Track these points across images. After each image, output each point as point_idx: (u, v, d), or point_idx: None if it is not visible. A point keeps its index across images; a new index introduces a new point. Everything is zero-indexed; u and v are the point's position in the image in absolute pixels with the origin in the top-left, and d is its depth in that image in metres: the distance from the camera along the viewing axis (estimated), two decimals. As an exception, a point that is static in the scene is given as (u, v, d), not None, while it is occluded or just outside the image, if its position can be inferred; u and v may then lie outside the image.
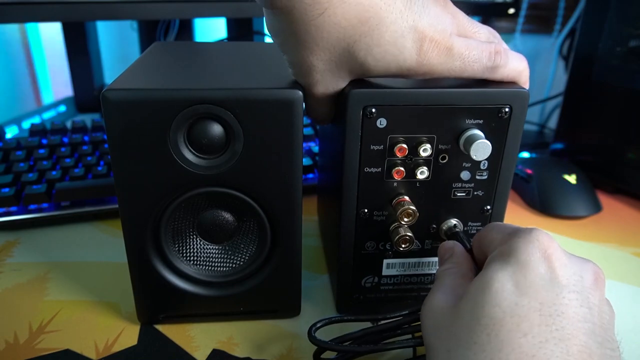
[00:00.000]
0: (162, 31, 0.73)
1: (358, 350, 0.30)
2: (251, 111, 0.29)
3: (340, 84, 0.30)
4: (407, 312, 0.31)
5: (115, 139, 0.29)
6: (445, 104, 0.31)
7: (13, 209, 0.48)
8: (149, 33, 0.77)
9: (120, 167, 0.30)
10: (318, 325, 0.31)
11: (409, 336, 0.30)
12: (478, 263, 0.30)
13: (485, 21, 0.97)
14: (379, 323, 0.31)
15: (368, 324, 0.31)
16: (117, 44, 0.87)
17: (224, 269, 0.35)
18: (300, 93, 0.30)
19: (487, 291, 0.23)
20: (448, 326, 0.24)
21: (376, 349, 0.30)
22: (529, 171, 0.57)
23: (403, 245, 0.33)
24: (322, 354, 0.31)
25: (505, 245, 0.25)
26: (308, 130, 0.60)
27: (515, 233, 0.26)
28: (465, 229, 0.35)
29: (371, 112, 0.31)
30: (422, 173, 0.32)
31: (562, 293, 0.23)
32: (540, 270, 0.24)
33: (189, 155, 0.30)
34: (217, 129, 0.30)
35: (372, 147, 0.32)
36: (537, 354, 0.21)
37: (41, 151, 0.54)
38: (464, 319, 0.23)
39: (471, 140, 0.31)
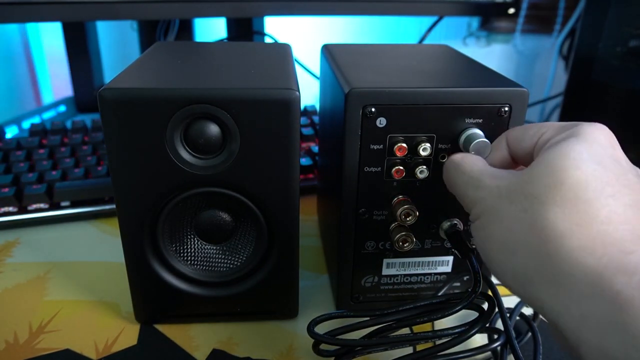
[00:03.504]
0: (162, 31, 0.73)
1: (355, 343, 0.30)
2: (248, 111, 0.29)
3: None
4: (406, 307, 0.30)
5: (112, 138, 0.29)
6: (445, 103, 0.31)
7: (13, 209, 0.48)
8: (149, 33, 0.77)
9: (117, 167, 0.30)
10: (318, 320, 0.31)
11: (408, 331, 0.30)
12: (515, 156, 0.29)
13: (485, 21, 0.97)
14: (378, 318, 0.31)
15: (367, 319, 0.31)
16: (117, 44, 0.87)
17: (222, 269, 0.35)
18: (297, 93, 0.29)
19: (566, 157, 0.23)
20: (520, 188, 0.24)
21: (374, 342, 0.30)
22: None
23: (403, 245, 0.33)
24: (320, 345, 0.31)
25: (570, 129, 0.26)
26: (308, 131, 0.60)
27: (576, 123, 0.26)
28: (466, 228, 0.35)
29: (371, 112, 0.31)
30: (422, 172, 0.32)
31: (627, 175, 0.23)
32: (608, 150, 0.24)
33: (185, 155, 0.30)
34: (213, 128, 0.30)
35: (372, 146, 0.32)
36: (626, 214, 0.22)
37: (41, 151, 0.54)
38: (542, 181, 0.23)
39: (471, 139, 0.31)
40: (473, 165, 0.28)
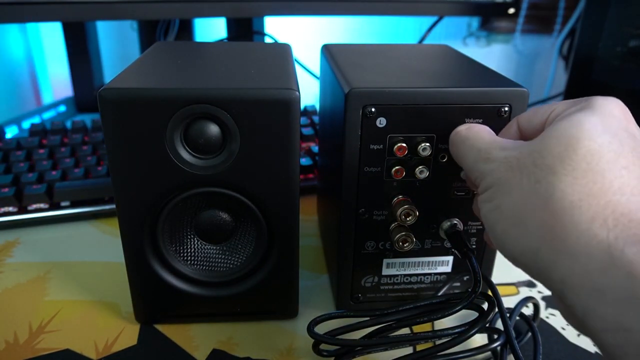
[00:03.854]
0: (162, 31, 0.73)
1: (355, 343, 0.30)
2: (248, 111, 0.29)
3: None
4: (406, 307, 0.30)
5: (112, 139, 0.29)
6: (445, 103, 0.31)
7: (13, 209, 0.48)
8: (149, 33, 0.77)
9: (117, 167, 0.30)
10: (318, 320, 0.31)
11: (408, 331, 0.30)
12: (526, 135, 0.29)
13: (485, 21, 0.97)
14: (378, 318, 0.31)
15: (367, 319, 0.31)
16: (117, 44, 0.87)
17: (222, 269, 0.35)
18: (297, 93, 0.29)
19: (580, 127, 0.23)
20: (531, 159, 0.24)
21: (374, 342, 0.30)
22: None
23: (403, 245, 0.33)
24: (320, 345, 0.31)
25: (584, 102, 0.25)
26: (308, 131, 0.60)
27: (588, 97, 0.26)
28: (466, 228, 0.35)
29: (371, 112, 0.31)
30: (422, 172, 0.32)
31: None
32: (623, 123, 0.24)
33: (185, 155, 0.30)
34: (213, 128, 0.30)
35: (372, 146, 0.32)
36: (639, 186, 0.21)
37: (41, 151, 0.54)
38: (554, 150, 0.23)
39: (471, 139, 0.31)
40: (481, 138, 0.28)
